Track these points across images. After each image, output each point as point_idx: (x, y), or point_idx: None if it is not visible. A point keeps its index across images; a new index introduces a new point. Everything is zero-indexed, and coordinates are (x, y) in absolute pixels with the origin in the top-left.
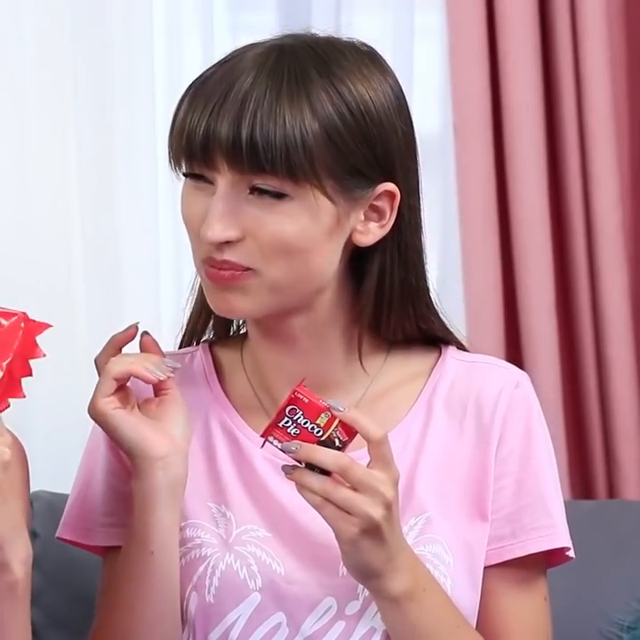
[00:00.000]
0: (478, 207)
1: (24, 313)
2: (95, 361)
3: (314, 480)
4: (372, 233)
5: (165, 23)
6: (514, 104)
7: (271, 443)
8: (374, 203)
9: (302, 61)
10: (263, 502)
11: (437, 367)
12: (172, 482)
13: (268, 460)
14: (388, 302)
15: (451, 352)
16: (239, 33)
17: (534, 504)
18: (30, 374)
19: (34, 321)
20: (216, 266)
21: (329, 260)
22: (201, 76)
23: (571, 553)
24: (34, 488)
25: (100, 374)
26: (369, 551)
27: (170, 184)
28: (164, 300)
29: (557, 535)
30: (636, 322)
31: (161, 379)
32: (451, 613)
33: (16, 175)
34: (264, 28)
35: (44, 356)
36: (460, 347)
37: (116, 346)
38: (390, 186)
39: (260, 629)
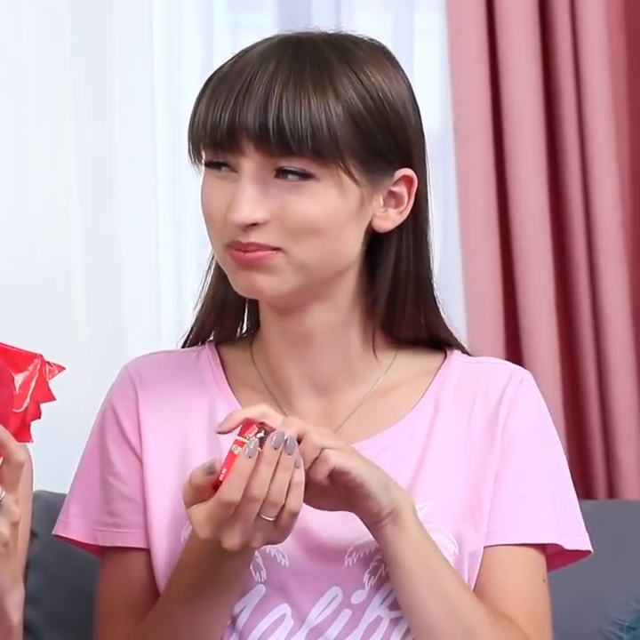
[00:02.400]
0: (478, 207)
1: (41, 355)
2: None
3: None
4: (391, 219)
5: (165, 23)
6: (514, 104)
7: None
8: (393, 189)
9: (322, 50)
10: None
11: (444, 367)
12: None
13: None
14: (402, 289)
15: (456, 355)
16: (239, 33)
17: (529, 494)
18: (39, 417)
19: (49, 363)
20: (242, 248)
21: (353, 242)
22: (220, 69)
23: (579, 545)
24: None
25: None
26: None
27: (170, 183)
28: (165, 300)
29: (546, 529)
30: (636, 322)
31: None
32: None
33: (15, 175)
34: (264, 27)
35: (54, 399)
36: (464, 352)
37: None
38: (409, 171)
39: (265, 620)
